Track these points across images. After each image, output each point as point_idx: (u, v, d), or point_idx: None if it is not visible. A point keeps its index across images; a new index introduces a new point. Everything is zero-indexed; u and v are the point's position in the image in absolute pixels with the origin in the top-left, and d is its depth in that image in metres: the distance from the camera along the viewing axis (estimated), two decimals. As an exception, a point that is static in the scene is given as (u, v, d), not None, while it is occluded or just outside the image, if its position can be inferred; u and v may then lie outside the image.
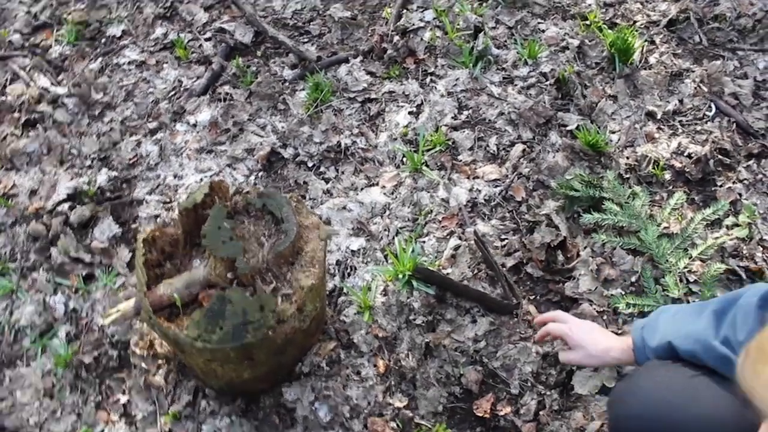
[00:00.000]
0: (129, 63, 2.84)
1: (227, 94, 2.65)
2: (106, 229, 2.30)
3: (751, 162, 2.40)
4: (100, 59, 2.87)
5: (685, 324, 1.31)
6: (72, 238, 2.26)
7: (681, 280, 2.09)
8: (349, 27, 2.85)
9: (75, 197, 2.36)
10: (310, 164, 2.45)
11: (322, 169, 2.45)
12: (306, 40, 2.85)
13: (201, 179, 2.40)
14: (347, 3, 2.97)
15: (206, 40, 2.86)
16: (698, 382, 1.23)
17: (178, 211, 1.67)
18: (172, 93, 2.69)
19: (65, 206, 2.33)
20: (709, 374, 1.26)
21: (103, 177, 2.42)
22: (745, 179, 2.36)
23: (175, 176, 2.43)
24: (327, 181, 2.41)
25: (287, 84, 2.68)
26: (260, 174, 2.42)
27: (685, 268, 2.11)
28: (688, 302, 2.05)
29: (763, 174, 2.37)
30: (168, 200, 2.36)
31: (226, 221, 1.65)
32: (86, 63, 2.87)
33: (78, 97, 2.69)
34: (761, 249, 2.21)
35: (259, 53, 2.80)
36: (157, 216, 2.32)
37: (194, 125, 2.58)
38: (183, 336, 1.52)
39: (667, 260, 2.11)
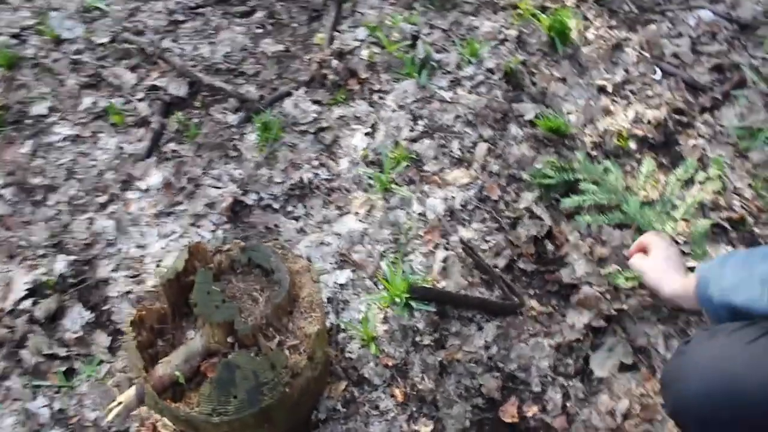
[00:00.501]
0: (62, 140, 2.69)
1: (174, 151, 2.54)
2: (77, 317, 2.15)
3: (706, 116, 2.43)
4: (30, 142, 2.71)
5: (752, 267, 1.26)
6: (42, 334, 2.11)
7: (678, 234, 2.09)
8: (284, 60, 2.78)
9: (36, 291, 2.21)
10: (276, 206, 2.36)
11: (289, 208, 2.36)
12: (243, 81, 2.76)
13: (166, 245, 2.28)
14: (276, 36, 2.90)
15: (139, 100, 2.74)
16: (756, 346, 1.18)
17: (161, 283, 1.56)
18: (116, 161, 2.56)
19: (27, 303, 2.17)
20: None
21: (61, 264, 2.27)
22: (705, 134, 2.39)
23: (138, 247, 2.30)
24: (297, 219, 2.33)
25: (234, 129, 2.58)
26: (227, 226, 2.32)
27: (672, 231, 2.11)
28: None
29: (720, 125, 2.41)
30: (136, 273, 2.23)
31: (214, 284, 1.56)
32: (16, 148, 2.70)
33: (15, 186, 2.53)
34: (737, 197, 2.23)
35: (198, 104, 2.70)
36: (128, 292, 2.19)
37: (146, 190, 2.45)
38: (196, 414, 1.41)
39: (653, 227, 2.10)
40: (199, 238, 2.28)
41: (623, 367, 1.92)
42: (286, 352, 1.51)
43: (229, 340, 1.52)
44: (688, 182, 2.25)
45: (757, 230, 2.14)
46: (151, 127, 2.62)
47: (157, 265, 2.23)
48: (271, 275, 1.62)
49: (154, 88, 2.77)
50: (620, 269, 2.06)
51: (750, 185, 2.24)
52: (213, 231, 2.31)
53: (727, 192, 2.23)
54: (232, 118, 2.63)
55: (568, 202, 2.17)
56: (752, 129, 2.35)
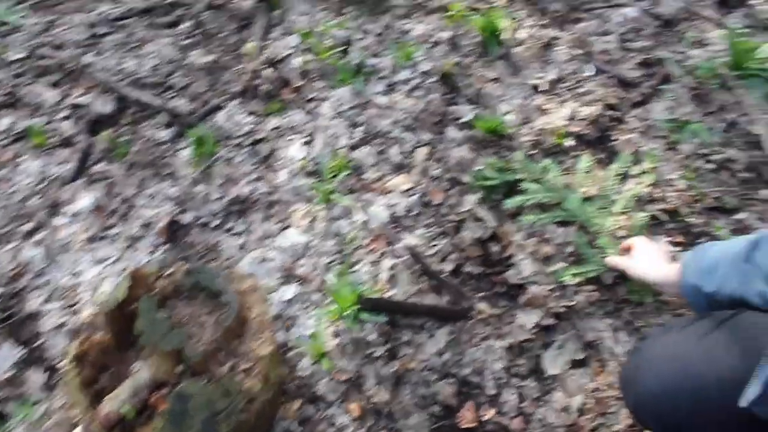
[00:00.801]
0: (-20, 165, 2.55)
1: (104, 171, 2.43)
2: (7, 355, 2.03)
3: (637, 110, 2.48)
4: (-56, 169, 2.57)
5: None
6: (-32, 376, 1.98)
7: (614, 238, 2.12)
8: (214, 71, 2.70)
9: (-40, 330, 2.08)
10: (215, 223, 2.29)
11: (229, 225, 2.29)
12: (173, 94, 2.67)
13: (101, 271, 2.18)
14: (205, 47, 2.82)
15: (63, 120, 2.62)
16: (709, 340, 1.20)
17: (103, 314, 1.48)
18: (41, 186, 2.44)
19: (-49, 344, 2.05)
20: (720, 324, 1.23)
21: (-15, 298, 2.15)
22: (637, 128, 2.44)
23: (71, 275, 2.19)
24: (238, 236, 2.26)
25: (167, 146, 2.50)
26: (165, 247, 2.23)
27: (612, 225, 2.14)
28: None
29: (651, 119, 2.46)
30: (71, 304, 2.12)
31: (158, 311, 1.49)
32: (-70, 176, 2.55)
33: (-69, 217, 2.38)
34: (671, 189, 2.28)
35: (126, 120, 2.60)
36: (62, 325, 2.08)
37: (76, 215, 2.34)
38: (148, 450, 1.35)
39: (595, 223, 2.14)
40: (137, 262, 2.19)
41: (575, 363, 1.94)
42: (240, 376, 1.46)
43: (179, 368, 1.46)
44: (625, 176, 2.29)
45: (692, 220, 2.20)
46: (77, 147, 2.51)
47: (93, 293, 2.13)
48: (219, 298, 1.56)
49: (77, 106, 2.66)
50: (566, 266, 2.08)
51: (682, 176, 2.29)
52: (151, 253, 2.23)
53: (661, 184, 2.28)
54: (164, 134, 2.54)
55: (511, 202, 2.18)
56: (680, 122, 2.42)
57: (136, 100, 2.61)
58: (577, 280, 2.05)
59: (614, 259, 1.79)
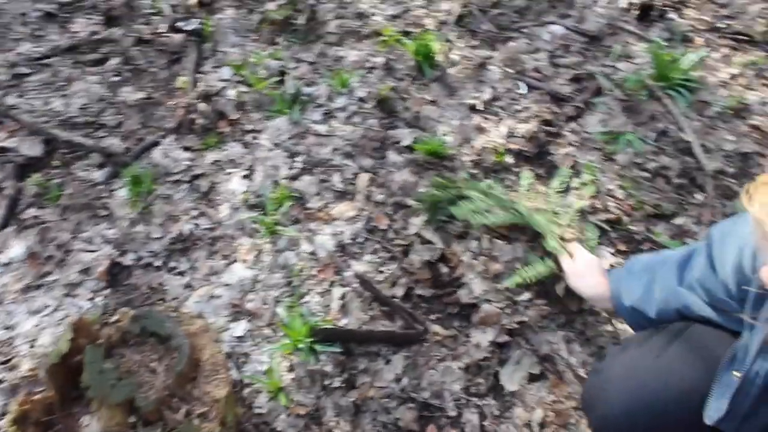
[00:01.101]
0: None
1: (36, 217, 2.33)
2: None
3: (572, 124, 2.54)
4: None
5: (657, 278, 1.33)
6: None
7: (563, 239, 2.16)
8: (147, 107, 2.63)
9: None
10: (157, 263, 2.22)
11: (172, 264, 2.22)
12: (105, 133, 2.59)
13: (39, 322, 2.08)
14: (136, 83, 2.75)
15: (-12, 165, 2.51)
16: (666, 357, 1.22)
17: (44, 369, 1.40)
18: (-33, 236, 2.32)
19: None
20: (675, 338, 1.26)
21: None
22: (574, 141, 2.49)
23: (5, 328, 2.08)
24: (183, 274, 2.20)
25: (101, 186, 2.41)
26: (106, 292, 2.15)
27: (559, 235, 2.17)
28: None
29: (586, 132, 2.52)
30: (7, 359, 2.01)
31: (105, 362, 1.42)
32: None
33: None
34: (611, 199, 2.34)
35: (57, 163, 2.49)
36: (-1, 381, 1.97)
37: (8, 264, 2.23)
38: None
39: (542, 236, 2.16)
40: (77, 309, 2.10)
41: (532, 378, 1.95)
42: (196, 421, 1.40)
43: (131, 419, 1.39)
44: (567, 189, 2.33)
45: (633, 228, 2.25)
46: (5, 193, 2.39)
47: (31, 346, 2.03)
48: (168, 342, 1.50)
49: (3, 149, 2.54)
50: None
51: (620, 186, 2.35)
52: (91, 299, 2.13)
53: (602, 195, 2.33)
54: (98, 175, 2.45)
55: (458, 212, 2.17)
56: (614, 133, 2.49)
57: (66, 141, 2.51)
58: (528, 296, 2.06)
59: (562, 259, 1.87)
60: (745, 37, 2.84)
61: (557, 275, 2.04)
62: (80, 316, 1.65)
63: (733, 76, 2.72)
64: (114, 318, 1.54)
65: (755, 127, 2.54)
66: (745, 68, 2.73)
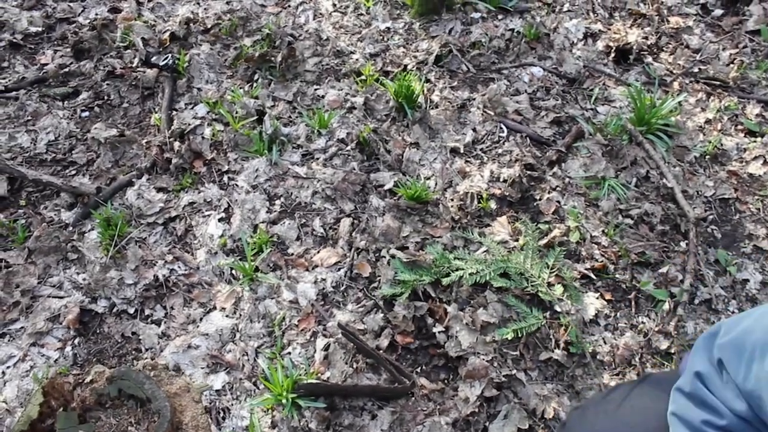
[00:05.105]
0: None
1: (0, 260, 2.21)
2: None
3: (555, 169, 2.52)
4: None
5: None
6: None
7: (550, 285, 2.13)
8: (119, 145, 2.53)
9: None
10: (131, 311, 2.12)
11: (147, 311, 2.13)
12: (74, 172, 2.48)
13: (2, 373, 1.96)
14: (107, 119, 2.65)
15: (-53, 207, 2.38)
16: (624, 410, 1.21)
17: (15, 443, 1.31)
18: (-75, 281, 2.19)
19: None
20: (631, 392, 1.25)
21: None
22: (557, 186, 2.47)
23: (-34, 382, 1.95)
24: (158, 323, 2.10)
25: (71, 228, 2.30)
26: (76, 341, 2.04)
27: (546, 281, 2.14)
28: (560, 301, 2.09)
29: (569, 177, 2.51)
30: (-32, 416, 1.88)
31: (79, 427, 1.33)
32: None
33: None
34: (596, 246, 2.32)
35: (23, 202, 2.38)
36: (-42, 440, 1.84)
37: (-31, 311, 2.11)
38: None
39: (531, 278, 2.13)
40: (45, 360, 1.98)
41: (520, 433, 1.90)
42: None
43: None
44: (552, 237, 2.30)
45: (618, 276, 2.23)
46: (-33, 235, 2.27)
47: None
48: (148, 405, 1.42)
49: (-35, 189, 2.42)
50: (506, 330, 2.04)
51: (604, 233, 2.34)
52: (60, 349, 2.02)
53: (587, 242, 2.31)
54: (67, 216, 2.34)
55: (447, 281, 2.13)
56: (597, 178, 2.48)
57: (33, 180, 2.39)
58: (518, 335, 2.03)
59: None
60: (719, 83, 2.88)
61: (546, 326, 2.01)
62: (49, 377, 1.54)
63: (709, 121, 2.74)
64: (88, 378, 1.44)
65: (733, 173, 2.56)
66: (720, 113, 2.76)
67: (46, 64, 2.84)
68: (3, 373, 1.97)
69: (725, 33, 3.14)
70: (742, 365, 0.97)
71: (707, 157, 2.61)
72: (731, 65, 2.97)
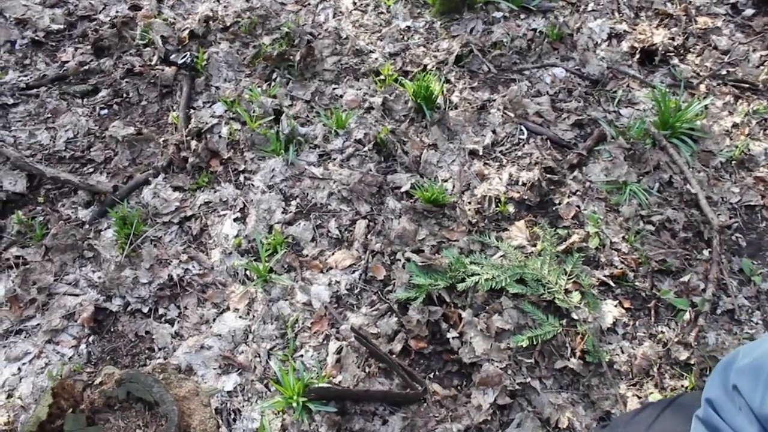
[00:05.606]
0: None
1: (18, 257, 2.22)
2: None
3: (575, 172, 2.47)
4: None
5: None
6: None
7: (567, 292, 2.09)
8: (137, 143, 2.53)
9: None
10: (145, 310, 2.12)
11: (161, 311, 2.13)
12: (92, 170, 2.49)
13: (18, 369, 1.97)
14: (125, 117, 2.65)
15: (-33, 203, 2.40)
16: (657, 427, 1.16)
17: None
18: (-56, 276, 2.21)
19: None
20: (665, 409, 1.19)
21: None
22: (577, 190, 2.43)
23: (-20, 378, 1.97)
24: (171, 323, 2.10)
25: (88, 226, 2.30)
26: (90, 339, 2.04)
27: (564, 287, 2.10)
28: (577, 308, 2.04)
29: (589, 180, 2.46)
30: (-17, 411, 1.90)
31: (88, 429, 1.33)
32: None
33: None
34: (615, 253, 2.27)
35: (41, 199, 2.39)
36: (-28, 436, 1.85)
37: (-14, 307, 2.12)
38: None
39: (548, 284, 2.09)
40: (59, 357, 1.99)
41: (535, 445, 1.86)
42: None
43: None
44: (571, 243, 2.25)
45: (638, 284, 2.19)
46: (-15, 232, 2.29)
47: (9, 396, 1.91)
48: (156, 408, 1.41)
49: (-16, 185, 2.44)
50: (521, 336, 2.01)
51: (624, 239, 2.29)
52: (75, 347, 2.03)
53: (606, 248, 2.27)
54: (84, 214, 2.35)
55: (462, 287, 2.10)
56: (618, 183, 2.42)
57: (51, 177, 2.40)
58: (534, 342, 1.99)
59: None
60: (748, 85, 2.80)
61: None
62: (64, 375, 1.54)
63: (736, 125, 2.67)
64: (98, 380, 1.44)
65: (760, 179, 2.49)
66: (748, 117, 2.69)
67: (67, 62, 2.86)
68: (19, 369, 1.98)
69: (756, 34, 3.06)
70: (759, 389, 0.93)
71: (733, 162, 2.54)
72: (761, 67, 2.89)
